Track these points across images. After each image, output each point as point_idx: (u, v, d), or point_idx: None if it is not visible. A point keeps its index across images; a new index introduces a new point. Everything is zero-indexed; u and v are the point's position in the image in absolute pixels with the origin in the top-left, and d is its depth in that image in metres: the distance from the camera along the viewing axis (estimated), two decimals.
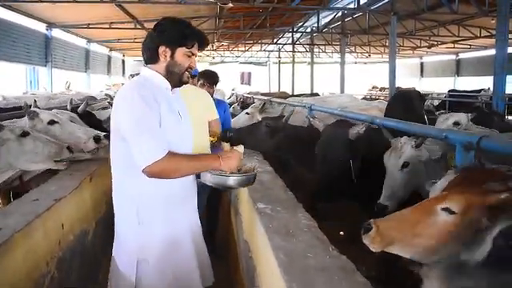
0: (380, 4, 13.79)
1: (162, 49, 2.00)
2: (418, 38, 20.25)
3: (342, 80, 16.60)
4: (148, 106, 1.87)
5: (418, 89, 21.92)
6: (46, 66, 15.14)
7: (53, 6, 12.06)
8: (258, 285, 2.03)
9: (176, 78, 2.06)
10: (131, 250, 2.02)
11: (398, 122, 3.26)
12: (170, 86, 2.07)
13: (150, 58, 2.05)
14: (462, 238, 1.38)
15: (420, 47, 22.75)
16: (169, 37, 2.01)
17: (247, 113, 6.06)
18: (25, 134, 3.08)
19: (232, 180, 2.00)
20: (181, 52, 2.03)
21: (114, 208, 2.07)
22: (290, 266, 1.56)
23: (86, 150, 3.64)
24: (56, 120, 3.72)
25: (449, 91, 14.44)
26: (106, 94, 9.60)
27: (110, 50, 23.41)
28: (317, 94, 13.60)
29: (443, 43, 21.03)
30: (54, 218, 2.42)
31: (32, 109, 3.83)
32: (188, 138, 2.12)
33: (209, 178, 2.02)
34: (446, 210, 1.42)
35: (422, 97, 5.79)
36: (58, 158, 3.15)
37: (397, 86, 20.11)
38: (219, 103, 4.25)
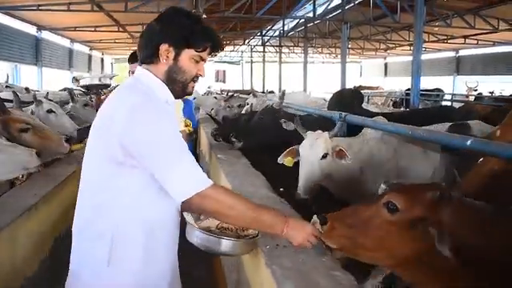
0: (333, 14, 15.69)
1: (164, 47, 1.58)
2: (376, 41, 22.33)
3: (305, 79, 18.54)
4: (171, 124, 1.54)
5: (382, 87, 23.82)
6: (36, 65, 16.58)
7: (44, 12, 13.46)
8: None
9: (178, 89, 1.65)
10: None
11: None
12: (172, 99, 1.67)
13: (148, 56, 1.63)
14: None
15: (379, 49, 24.93)
16: (175, 33, 1.58)
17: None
18: None
19: (230, 244, 1.61)
20: (188, 55, 1.61)
21: (75, 243, 1.63)
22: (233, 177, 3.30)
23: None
24: (53, 110, 4.66)
25: (406, 90, 14.99)
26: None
27: (91, 49, 24.60)
28: (272, 92, 14.70)
29: (400, 46, 23.07)
30: None
31: (39, 98, 4.75)
32: None
33: (199, 238, 1.62)
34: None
35: (360, 95, 6.77)
36: (29, 166, 2.97)
37: (363, 84, 22.10)
38: (187, 102, 4.40)
